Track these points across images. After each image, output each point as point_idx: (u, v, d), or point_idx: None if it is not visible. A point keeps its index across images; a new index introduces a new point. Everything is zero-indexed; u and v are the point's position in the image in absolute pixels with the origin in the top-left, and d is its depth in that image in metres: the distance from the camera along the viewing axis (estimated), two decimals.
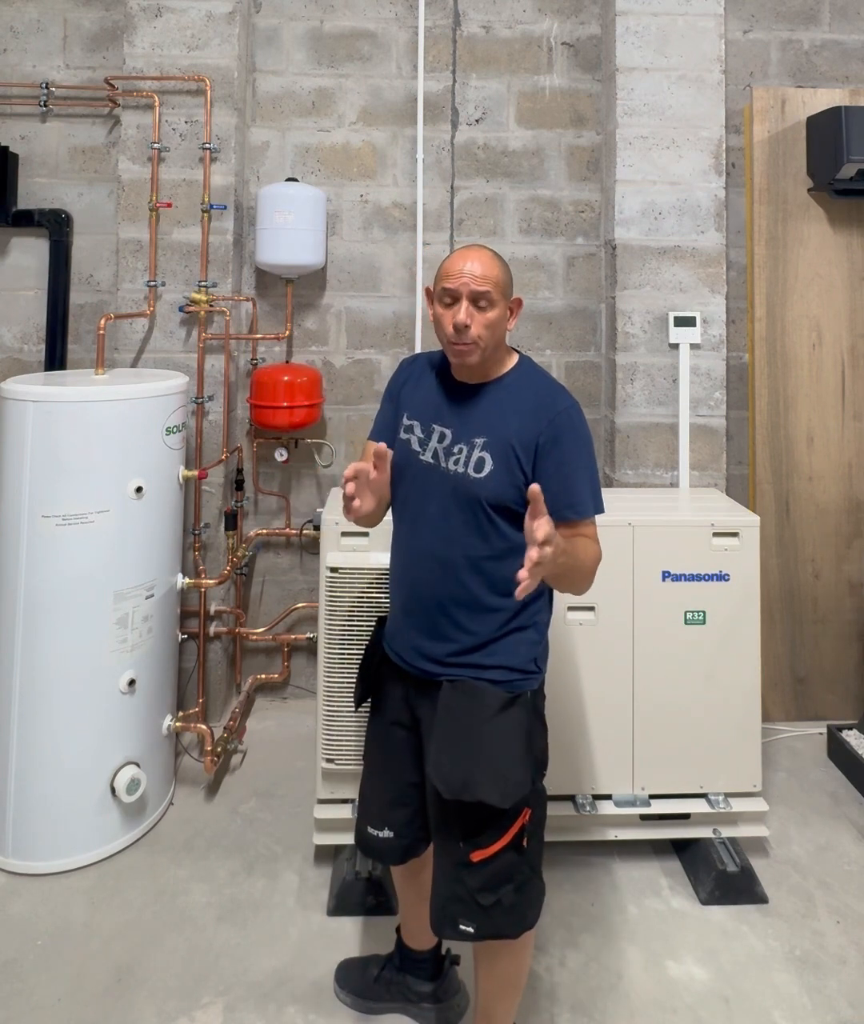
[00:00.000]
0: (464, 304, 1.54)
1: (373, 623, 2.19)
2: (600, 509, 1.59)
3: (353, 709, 2.09)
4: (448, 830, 1.55)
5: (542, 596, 1.65)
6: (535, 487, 1.34)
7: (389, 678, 1.73)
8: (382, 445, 1.55)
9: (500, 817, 1.51)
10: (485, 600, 1.58)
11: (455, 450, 1.59)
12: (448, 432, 1.61)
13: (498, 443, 1.56)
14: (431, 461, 1.61)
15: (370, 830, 1.73)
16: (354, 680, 2.17)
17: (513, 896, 1.52)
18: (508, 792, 1.50)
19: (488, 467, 1.56)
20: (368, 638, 2.17)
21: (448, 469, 1.59)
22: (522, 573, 1.30)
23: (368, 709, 1.83)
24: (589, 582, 1.55)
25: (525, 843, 1.54)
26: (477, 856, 1.51)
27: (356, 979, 1.89)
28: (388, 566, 2.18)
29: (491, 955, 1.61)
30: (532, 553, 1.30)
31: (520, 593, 1.31)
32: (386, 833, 1.71)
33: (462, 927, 1.52)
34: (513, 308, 1.63)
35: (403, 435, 1.67)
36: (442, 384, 1.67)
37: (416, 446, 1.64)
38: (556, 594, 1.69)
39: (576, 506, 1.55)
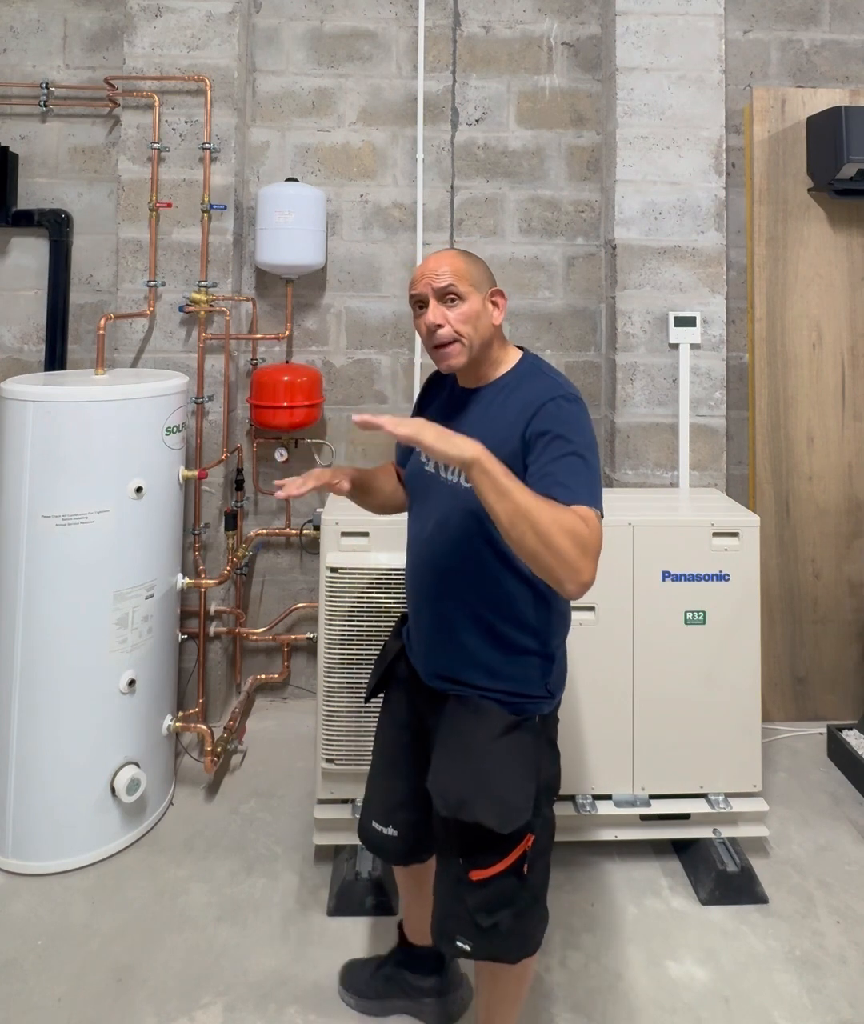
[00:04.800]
0: (432, 304, 1.50)
1: (372, 623, 2.19)
2: (593, 504, 1.36)
3: (353, 709, 2.10)
4: (448, 844, 1.52)
5: (552, 621, 1.56)
6: (363, 418, 1.32)
7: (403, 677, 1.69)
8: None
9: (501, 840, 1.46)
10: (487, 617, 1.52)
11: None
12: None
13: (489, 447, 1.43)
14: (433, 471, 1.59)
15: (374, 825, 1.70)
16: (355, 680, 2.18)
17: (512, 922, 1.48)
18: (506, 817, 1.44)
19: None
20: (368, 638, 2.18)
21: (446, 479, 1.56)
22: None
23: (376, 706, 1.80)
24: (551, 550, 1.26)
25: (526, 870, 1.49)
26: (476, 875, 1.47)
27: (358, 979, 1.88)
28: (388, 566, 2.20)
29: (492, 975, 1.60)
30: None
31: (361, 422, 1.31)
32: (390, 831, 1.69)
33: (459, 944, 1.48)
34: (496, 301, 1.55)
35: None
36: (450, 393, 1.65)
37: (422, 457, 1.62)
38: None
39: (566, 485, 1.34)
